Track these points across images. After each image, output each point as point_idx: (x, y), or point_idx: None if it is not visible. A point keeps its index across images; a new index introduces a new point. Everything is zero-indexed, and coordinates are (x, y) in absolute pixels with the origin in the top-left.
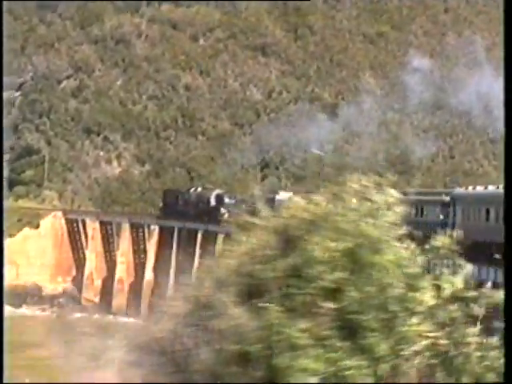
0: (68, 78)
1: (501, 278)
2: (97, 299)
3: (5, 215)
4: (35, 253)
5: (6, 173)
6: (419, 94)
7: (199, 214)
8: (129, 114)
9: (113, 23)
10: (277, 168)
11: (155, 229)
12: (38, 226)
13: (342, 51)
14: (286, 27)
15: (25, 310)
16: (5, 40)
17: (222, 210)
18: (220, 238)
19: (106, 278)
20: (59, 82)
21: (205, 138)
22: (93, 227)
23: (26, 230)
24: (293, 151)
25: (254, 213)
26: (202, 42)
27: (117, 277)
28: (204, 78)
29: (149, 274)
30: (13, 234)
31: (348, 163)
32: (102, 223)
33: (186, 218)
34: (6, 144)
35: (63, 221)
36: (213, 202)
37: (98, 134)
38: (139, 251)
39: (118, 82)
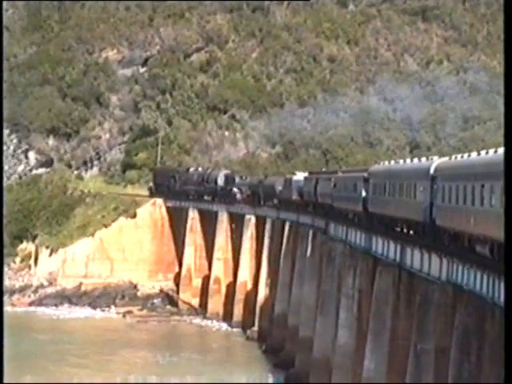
0: (198, 50)
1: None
2: (195, 301)
3: (101, 203)
4: (132, 246)
5: (121, 155)
6: None
7: (203, 195)
8: (261, 90)
9: None
10: (428, 149)
11: (251, 219)
12: (134, 216)
13: None
14: None
15: (111, 313)
16: (132, 12)
17: (234, 190)
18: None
19: (207, 276)
20: (187, 56)
21: (347, 115)
22: (192, 217)
23: (122, 220)
24: (448, 129)
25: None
26: (350, 6)
27: (213, 276)
28: (351, 47)
29: (243, 275)
30: (107, 225)
31: None
32: (201, 212)
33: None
34: (126, 124)
35: (164, 209)
36: (220, 182)
37: (225, 112)
38: (237, 246)
39: (254, 55)
